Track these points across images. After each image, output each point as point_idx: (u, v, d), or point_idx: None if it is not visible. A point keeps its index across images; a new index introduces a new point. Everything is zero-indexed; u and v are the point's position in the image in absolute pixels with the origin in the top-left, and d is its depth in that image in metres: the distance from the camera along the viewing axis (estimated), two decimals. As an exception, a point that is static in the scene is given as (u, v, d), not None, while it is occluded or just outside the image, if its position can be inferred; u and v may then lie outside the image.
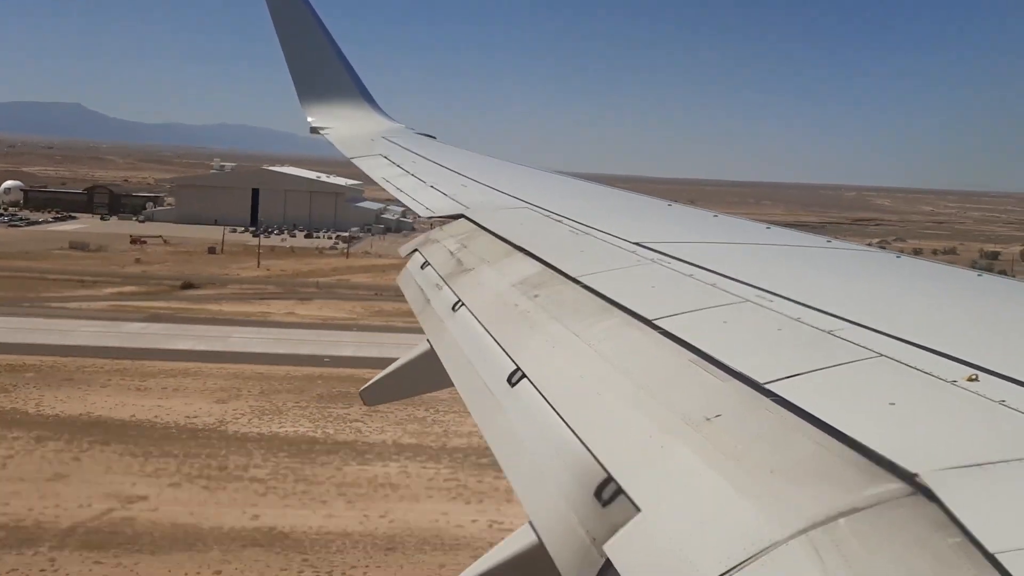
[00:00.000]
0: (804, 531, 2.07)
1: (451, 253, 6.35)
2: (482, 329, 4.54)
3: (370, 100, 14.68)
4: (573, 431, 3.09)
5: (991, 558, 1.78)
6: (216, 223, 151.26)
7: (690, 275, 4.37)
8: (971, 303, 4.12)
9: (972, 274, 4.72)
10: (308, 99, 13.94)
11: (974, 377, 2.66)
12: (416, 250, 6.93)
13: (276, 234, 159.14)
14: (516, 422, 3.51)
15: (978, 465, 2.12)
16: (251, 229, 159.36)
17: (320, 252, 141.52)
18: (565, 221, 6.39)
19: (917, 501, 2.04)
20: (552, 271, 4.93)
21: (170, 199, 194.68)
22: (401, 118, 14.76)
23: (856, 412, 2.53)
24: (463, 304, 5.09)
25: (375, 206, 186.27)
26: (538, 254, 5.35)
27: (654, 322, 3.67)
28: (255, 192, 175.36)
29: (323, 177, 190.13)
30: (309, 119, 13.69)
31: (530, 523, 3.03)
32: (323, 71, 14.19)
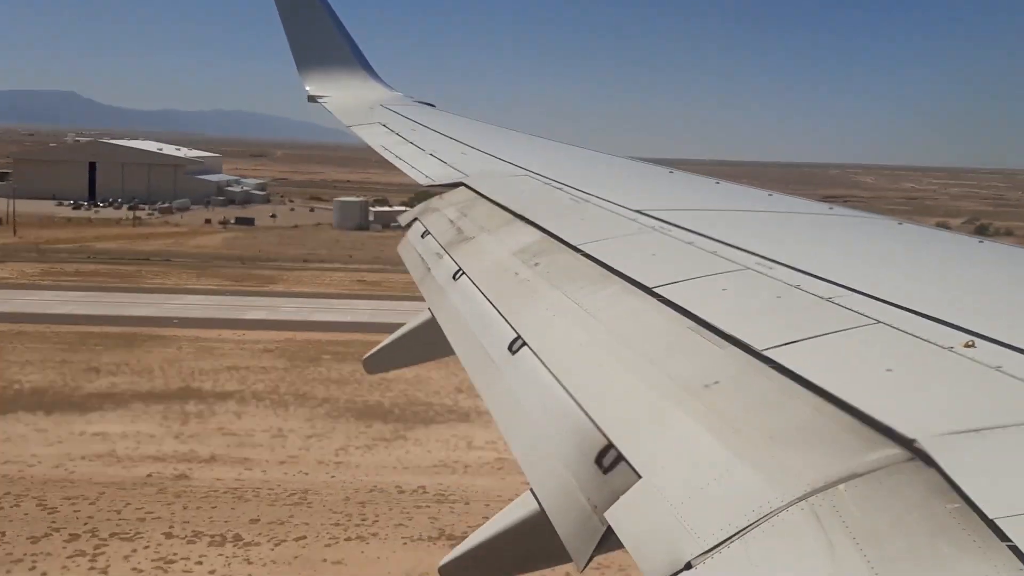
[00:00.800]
0: (804, 497, 2.09)
1: (451, 222, 6.33)
2: (483, 297, 4.55)
3: (368, 68, 14.56)
4: (573, 398, 3.11)
5: (991, 524, 1.79)
6: (54, 198, 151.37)
7: (690, 243, 4.36)
8: (970, 270, 4.12)
9: (973, 240, 4.71)
10: (306, 67, 13.82)
11: (971, 343, 2.67)
12: (416, 219, 6.91)
13: (100, 207, 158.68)
14: (517, 390, 3.53)
15: (976, 431, 2.13)
16: (72, 203, 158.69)
17: (118, 223, 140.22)
18: (565, 189, 6.37)
19: (916, 467, 2.05)
20: (552, 239, 4.92)
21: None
22: (400, 86, 14.65)
23: (854, 378, 2.55)
24: (464, 273, 5.09)
25: (218, 178, 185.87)
26: (538, 222, 5.33)
27: (654, 290, 3.67)
28: (92, 165, 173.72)
29: (164, 149, 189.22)
30: (307, 87, 13.58)
31: (531, 490, 3.05)
32: (321, 39, 14.06)
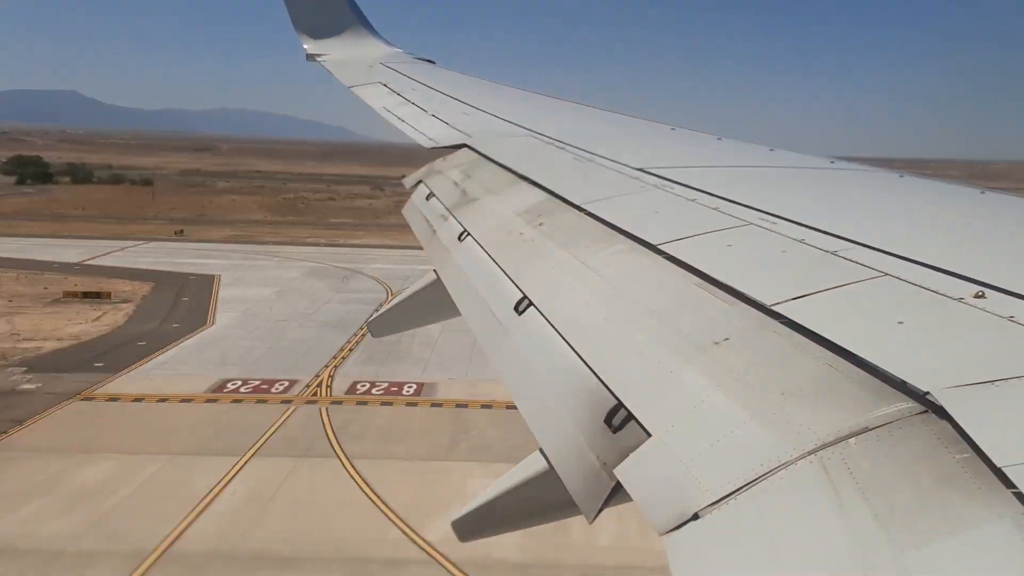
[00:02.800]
0: (814, 451, 2.11)
1: (455, 184, 6.32)
2: (488, 258, 4.55)
3: (367, 24, 14.35)
4: (581, 358, 3.12)
5: (998, 472, 1.82)
6: None
7: (693, 200, 4.35)
8: (975, 220, 4.10)
9: (975, 191, 4.69)
10: (303, 25, 13.63)
11: (981, 294, 2.66)
12: (421, 181, 6.90)
13: None
14: (524, 350, 3.54)
15: (989, 382, 2.13)
16: None
17: None
18: (568, 148, 6.34)
19: (927, 419, 2.07)
20: (556, 199, 4.91)
21: None
22: (398, 42, 14.47)
23: (864, 332, 2.54)
24: (469, 234, 5.08)
25: None
26: (542, 182, 5.32)
27: (659, 247, 3.67)
28: None
29: None
30: (304, 46, 13.40)
31: (540, 450, 3.09)
32: None
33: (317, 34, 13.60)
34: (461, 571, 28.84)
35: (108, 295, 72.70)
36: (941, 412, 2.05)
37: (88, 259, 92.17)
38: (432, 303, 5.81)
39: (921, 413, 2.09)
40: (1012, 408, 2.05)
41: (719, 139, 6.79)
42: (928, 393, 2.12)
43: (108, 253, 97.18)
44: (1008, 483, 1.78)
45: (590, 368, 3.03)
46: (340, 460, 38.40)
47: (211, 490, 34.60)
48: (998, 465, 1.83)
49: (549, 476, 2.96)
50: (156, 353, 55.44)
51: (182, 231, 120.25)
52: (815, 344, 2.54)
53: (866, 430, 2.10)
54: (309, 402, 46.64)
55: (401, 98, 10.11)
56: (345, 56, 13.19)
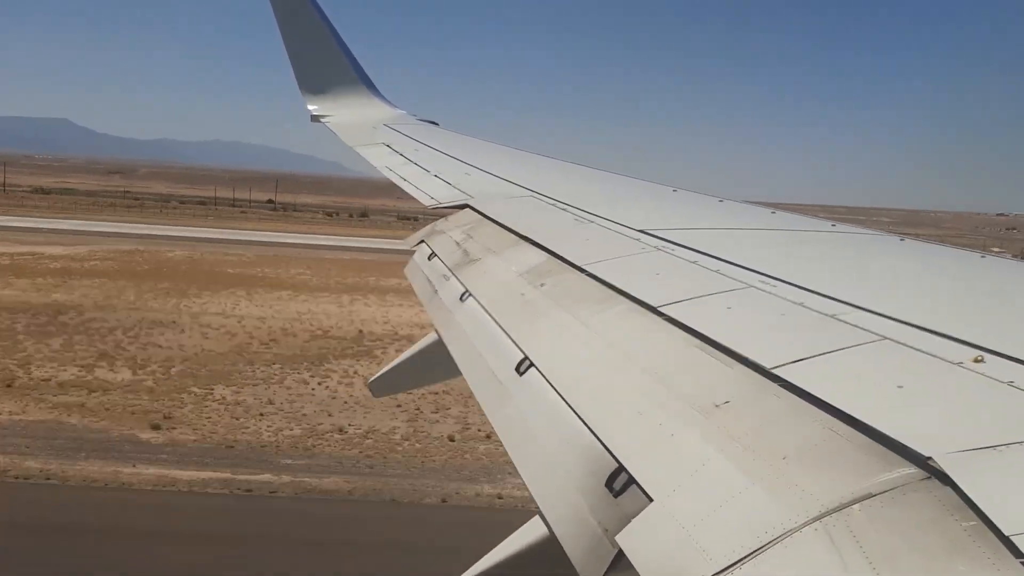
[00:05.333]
0: (818, 518, 2.07)
1: (457, 244, 6.36)
2: (489, 319, 4.55)
3: (371, 87, 14.59)
4: (583, 420, 3.10)
5: (1006, 540, 1.79)
6: None
7: (694, 262, 4.37)
8: (975, 285, 4.11)
9: (975, 255, 4.71)
10: (308, 87, 13.84)
11: (980, 359, 2.65)
12: (423, 241, 6.95)
13: None
14: (525, 412, 3.52)
15: (992, 447, 2.11)
16: None
17: None
18: (570, 209, 6.40)
19: (931, 485, 2.04)
20: (558, 260, 4.94)
21: None
22: (403, 104, 14.68)
23: (865, 396, 2.53)
24: (470, 294, 5.10)
25: None
26: (543, 243, 5.35)
27: (659, 309, 3.68)
28: None
29: None
30: (310, 107, 13.60)
31: (540, 515, 3.05)
32: (323, 58, 14.08)
33: (322, 96, 13.82)
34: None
35: None
36: (944, 478, 2.03)
37: None
38: (433, 363, 5.80)
39: (924, 479, 2.07)
40: (1016, 474, 2.03)
41: (720, 201, 6.83)
42: (931, 458, 2.10)
43: None
44: (1016, 552, 1.75)
45: (591, 430, 3.00)
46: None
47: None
48: (1005, 533, 1.80)
49: (549, 543, 2.91)
50: None
51: None
52: (816, 408, 2.53)
53: (869, 496, 2.08)
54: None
55: (404, 158, 10.24)
56: (349, 117, 13.39)
